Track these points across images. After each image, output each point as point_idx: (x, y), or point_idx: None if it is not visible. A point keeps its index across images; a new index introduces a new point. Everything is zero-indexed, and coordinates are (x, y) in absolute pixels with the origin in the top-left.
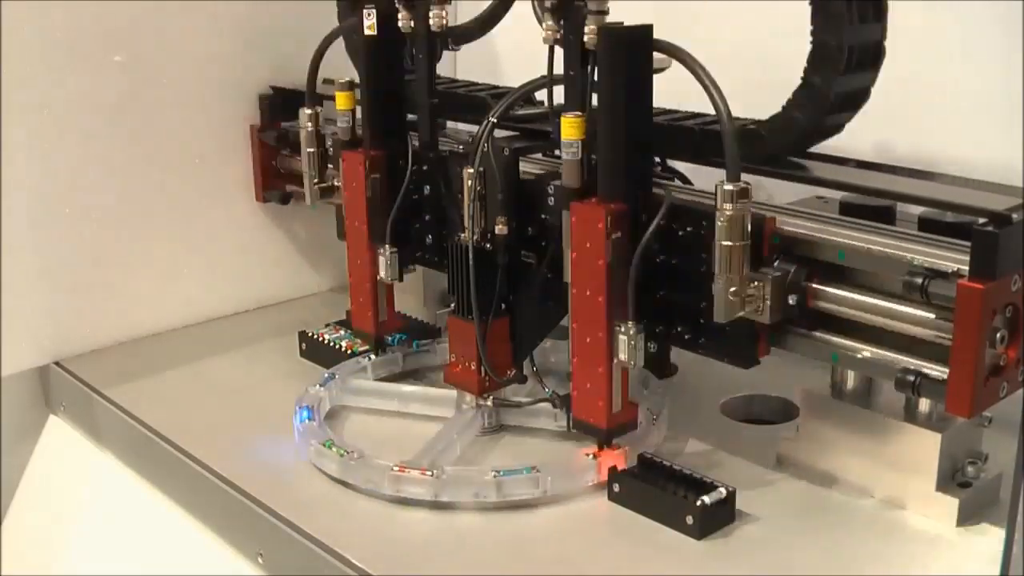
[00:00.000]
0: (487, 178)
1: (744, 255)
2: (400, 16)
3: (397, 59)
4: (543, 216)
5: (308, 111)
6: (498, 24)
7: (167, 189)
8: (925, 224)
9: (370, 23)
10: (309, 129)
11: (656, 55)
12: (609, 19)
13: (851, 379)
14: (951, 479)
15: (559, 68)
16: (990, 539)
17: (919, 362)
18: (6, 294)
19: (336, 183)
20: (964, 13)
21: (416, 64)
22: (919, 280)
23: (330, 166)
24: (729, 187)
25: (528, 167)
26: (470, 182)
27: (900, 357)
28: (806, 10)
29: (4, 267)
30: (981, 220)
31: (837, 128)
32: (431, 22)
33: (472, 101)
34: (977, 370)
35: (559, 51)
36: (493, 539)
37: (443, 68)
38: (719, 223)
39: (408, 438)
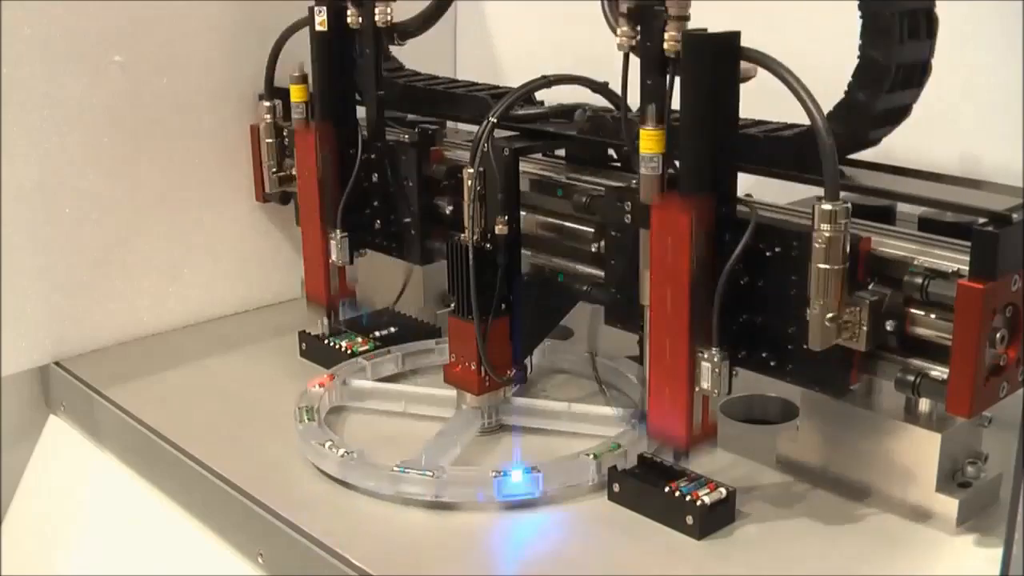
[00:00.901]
0: (487, 178)
1: (842, 279)
2: (349, 12)
3: (346, 53)
4: (614, 233)
5: (267, 103)
6: (438, 22)
7: (167, 189)
8: (925, 224)
9: (321, 19)
10: (268, 121)
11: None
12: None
13: None
14: (951, 479)
15: (559, 69)
16: (990, 539)
17: (919, 362)
18: (6, 294)
19: (293, 172)
20: (964, 13)
21: (363, 58)
22: (919, 280)
23: (288, 158)
24: (828, 207)
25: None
26: (470, 182)
27: (900, 357)
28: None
29: (4, 267)
30: (981, 220)
31: (875, 142)
32: (376, 18)
33: (472, 101)
34: (977, 370)
35: (561, 52)
36: (493, 539)
37: (443, 68)
38: (816, 244)
39: (408, 438)
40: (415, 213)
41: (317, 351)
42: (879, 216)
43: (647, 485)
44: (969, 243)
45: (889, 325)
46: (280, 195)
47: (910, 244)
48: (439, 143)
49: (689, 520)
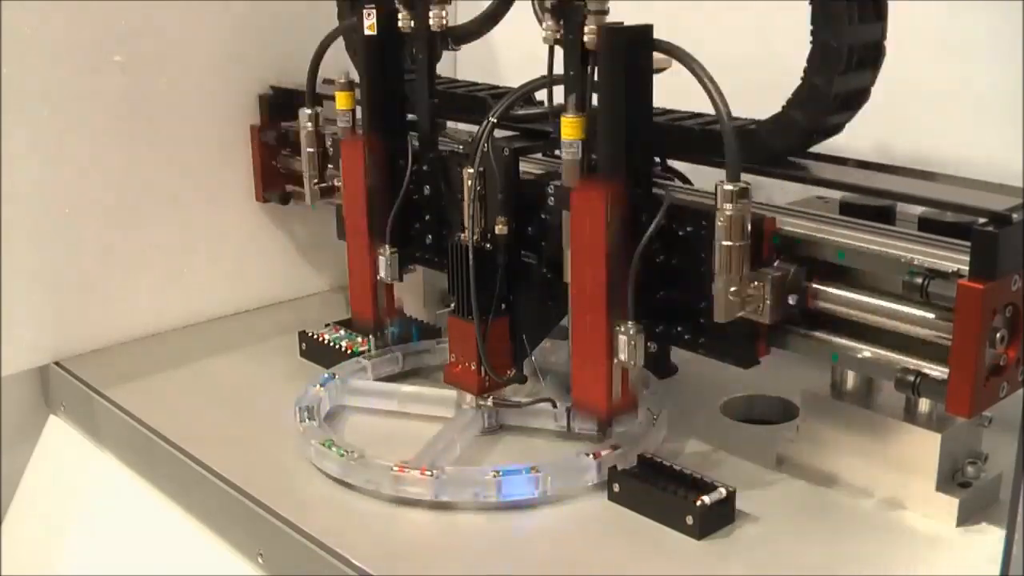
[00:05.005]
0: (487, 178)
1: (744, 255)
2: (400, 16)
3: (397, 59)
4: (543, 216)
5: (308, 111)
6: (498, 24)
7: (167, 189)
8: (925, 224)
9: (370, 23)
10: (309, 129)
11: (657, 55)
12: (609, 19)
13: (851, 379)
14: (951, 479)
15: (559, 68)
16: (990, 539)
17: (919, 362)
18: (6, 294)
19: (336, 183)
20: (964, 13)
21: (416, 64)
22: (919, 280)
23: (330, 166)
24: (729, 187)
25: (528, 167)
26: (470, 182)
27: (900, 357)
28: (806, 9)
29: (4, 267)
30: (981, 220)
31: (837, 128)
32: (431, 22)
33: (472, 101)
34: (977, 370)
35: (559, 51)
36: (493, 539)
37: (443, 68)
38: (719, 223)
39: (408, 438)
40: None
41: (317, 351)
42: (879, 216)
43: (647, 485)
44: (969, 243)
45: (792, 299)
46: (280, 195)
47: (910, 244)
48: None
49: (689, 520)
